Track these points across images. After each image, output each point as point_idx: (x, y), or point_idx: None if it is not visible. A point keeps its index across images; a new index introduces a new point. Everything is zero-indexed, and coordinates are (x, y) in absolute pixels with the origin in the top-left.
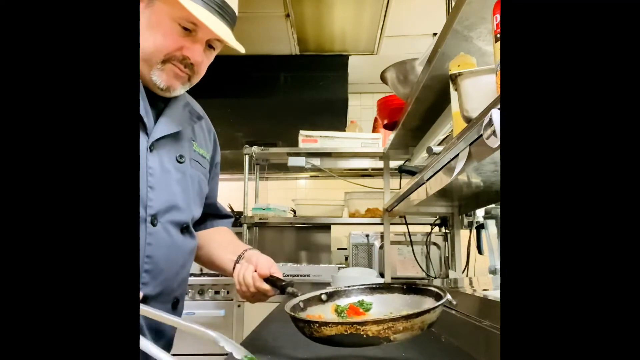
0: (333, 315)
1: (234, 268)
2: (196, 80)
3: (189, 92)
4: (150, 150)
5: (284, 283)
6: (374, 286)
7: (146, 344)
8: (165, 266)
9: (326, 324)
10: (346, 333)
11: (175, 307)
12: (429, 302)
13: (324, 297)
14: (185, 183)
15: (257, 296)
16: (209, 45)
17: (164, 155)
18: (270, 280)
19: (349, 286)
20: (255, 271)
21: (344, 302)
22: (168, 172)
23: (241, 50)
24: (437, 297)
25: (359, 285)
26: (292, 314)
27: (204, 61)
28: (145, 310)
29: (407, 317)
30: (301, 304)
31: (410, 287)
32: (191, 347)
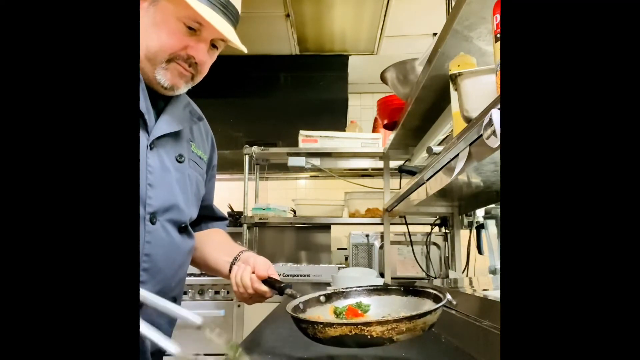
0: (331, 316)
1: (230, 270)
2: (199, 79)
3: (190, 90)
4: (151, 149)
5: (282, 285)
6: (371, 288)
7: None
8: (163, 265)
9: (331, 324)
10: (351, 334)
11: None
12: (427, 304)
13: (322, 298)
14: (184, 183)
15: (255, 298)
16: (213, 45)
17: (163, 154)
18: (268, 282)
19: (347, 288)
20: (253, 273)
21: (342, 303)
22: (168, 171)
23: (244, 50)
24: (436, 298)
25: (357, 286)
26: (295, 314)
27: (207, 60)
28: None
29: (410, 318)
30: (301, 305)
31: (407, 289)
32: (189, 346)
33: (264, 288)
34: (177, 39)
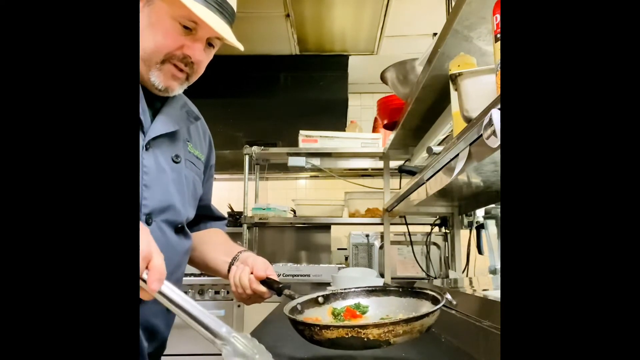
0: (330, 317)
1: (228, 270)
2: (194, 78)
3: (190, 90)
4: (146, 149)
5: (280, 285)
6: (370, 289)
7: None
8: None
9: (327, 327)
10: (347, 336)
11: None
12: (425, 305)
13: (320, 299)
14: (181, 183)
15: (253, 298)
16: (209, 44)
17: (159, 154)
18: (266, 282)
19: (345, 289)
20: (252, 273)
21: (340, 304)
22: (163, 172)
23: (240, 48)
24: (434, 300)
25: (355, 287)
26: (292, 316)
27: (204, 60)
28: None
29: (408, 321)
30: (299, 307)
31: (406, 290)
32: (187, 346)
33: (262, 289)
34: (173, 39)
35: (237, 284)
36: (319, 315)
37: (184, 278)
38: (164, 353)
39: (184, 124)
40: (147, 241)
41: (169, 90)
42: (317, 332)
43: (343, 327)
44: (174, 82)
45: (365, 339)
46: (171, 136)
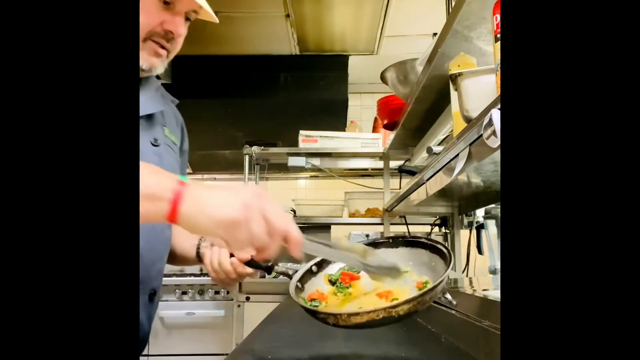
0: (327, 286)
1: (197, 253)
2: (173, 54)
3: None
4: None
5: (270, 264)
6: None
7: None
8: (142, 254)
9: (357, 313)
10: (379, 317)
11: (152, 299)
12: (423, 254)
13: (314, 268)
14: (161, 167)
15: (237, 279)
16: (186, 18)
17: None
18: (251, 262)
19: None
20: (232, 255)
21: (334, 269)
22: (142, 156)
23: (216, 20)
24: (431, 248)
25: (346, 246)
26: (315, 309)
27: (183, 34)
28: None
29: (433, 288)
30: (299, 285)
31: (397, 240)
32: (186, 347)
33: (248, 271)
34: (153, 16)
35: (217, 270)
36: (318, 287)
37: (184, 278)
38: (163, 353)
39: (161, 106)
40: (282, 215)
41: (153, 69)
42: (344, 319)
43: (374, 311)
44: (156, 59)
45: (397, 316)
46: (148, 119)
